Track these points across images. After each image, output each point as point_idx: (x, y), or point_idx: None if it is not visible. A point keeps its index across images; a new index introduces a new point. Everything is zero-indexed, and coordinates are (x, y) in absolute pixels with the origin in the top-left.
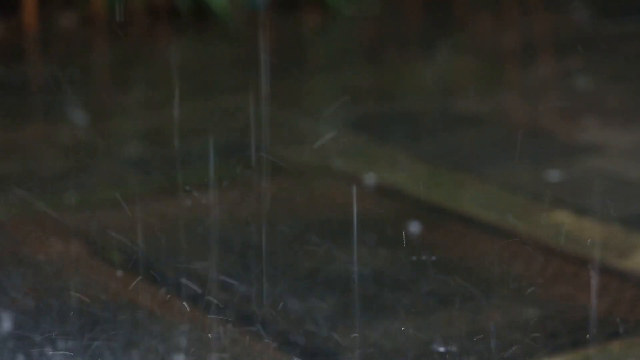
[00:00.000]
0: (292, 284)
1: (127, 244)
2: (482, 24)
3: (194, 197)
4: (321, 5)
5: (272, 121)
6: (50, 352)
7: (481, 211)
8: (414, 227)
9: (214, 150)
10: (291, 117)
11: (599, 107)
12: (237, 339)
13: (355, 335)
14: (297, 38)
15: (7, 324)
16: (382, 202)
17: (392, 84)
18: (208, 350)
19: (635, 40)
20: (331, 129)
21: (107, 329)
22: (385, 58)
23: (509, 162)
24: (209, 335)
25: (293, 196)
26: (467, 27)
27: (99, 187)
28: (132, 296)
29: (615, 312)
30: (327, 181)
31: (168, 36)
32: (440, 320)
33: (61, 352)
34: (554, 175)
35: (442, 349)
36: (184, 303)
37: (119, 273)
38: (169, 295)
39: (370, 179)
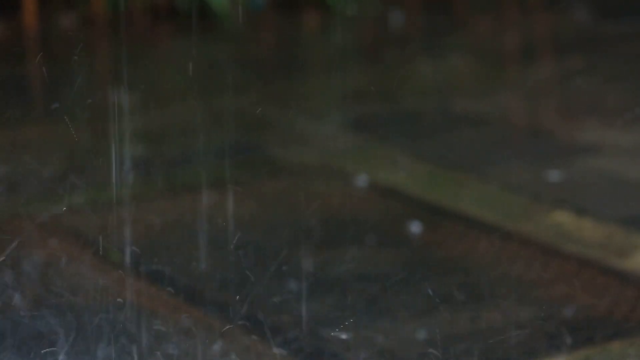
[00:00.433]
0: (292, 284)
1: (127, 245)
2: (482, 24)
3: (193, 197)
4: (321, 5)
5: (272, 121)
6: (50, 353)
7: (481, 211)
8: (414, 227)
9: (214, 150)
10: (291, 117)
11: (599, 107)
12: (236, 339)
13: (355, 335)
14: (297, 38)
15: (6, 324)
16: (383, 202)
17: (392, 84)
18: (208, 351)
19: (635, 41)
20: (331, 129)
21: (107, 329)
22: (386, 58)
23: (509, 162)
24: (209, 335)
25: (293, 196)
26: (467, 27)
27: (99, 187)
28: (132, 296)
29: (616, 312)
30: (327, 181)
31: (168, 36)
32: (441, 320)
33: (61, 352)
34: (554, 175)
35: (442, 349)
36: (183, 303)
37: (120, 273)
38: (168, 295)
39: (370, 179)
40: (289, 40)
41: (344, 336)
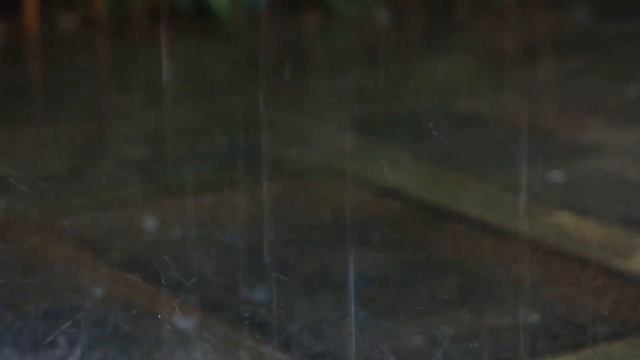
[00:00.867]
0: (292, 284)
1: (128, 245)
2: (483, 24)
3: (194, 199)
4: (322, 5)
5: (273, 121)
6: (51, 353)
7: (481, 211)
8: (415, 227)
9: (214, 151)
10: (292, 118)
11: (600, 107)
12: (237, 339)
13: (355, 336)
14: (298, 38)
15: (7, 324)
16: (383, 202)
17: (393, 84)
18: (209, 351)
19: (636, 40)
20: (332, 130)
21: (108, 329)
22: (386, 58)
23: (509, 162)
24: (209, 335)
25: (293, 197)
26: (467, 27)
27: (99, 188)
28: (132, 297)
29: (616, 313)
30: (327, 181)
31: (168, 36)
32: (440, 320)
33: (61, 352)
34: (554, 175)
35: (442, 349)
36: (184, 304)
37: (120, 274)
38: (169, 297)
39: (370, 179)
40: (289, 40)
41: (344, 336)
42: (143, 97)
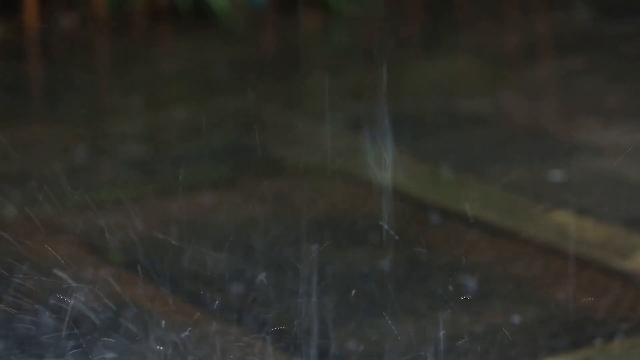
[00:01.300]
0: (292, 284)
1: (128, 244)
2: (483, 23)
3: (194, 198)
4: (322, 5)
5: (273, 121)
6: (50, 353)
7: (481, 211)
8: (414, 227)
9: (214, 151)
10: (291, 117)
11: (600, 107)
12: (237, 339)
13: (355, 335)
14: (298, 38)
15: (6, 325)
16: (383, 202)
17: (393, 84)
18: (209, 351)
19: (637, 40)
20: (331, 129)
21: (108, 329)
22: (386, 58)
23: (509, 162)
24: (209, 335)
25: (293, 196)
26: (467, 27)
27: (99, 187)
28: (132, 296)
29: (616, 312)
30: (327, 181)
31: (168, 36)
32: (440, 320)
33: (61, 352)
34: (554, 175)
35: (442, 349)
36: (184, 303)
37: (120, 273)
38: (169, 296)
39: (370, 179)
40: (289, 40)
41: (344, 336)
42: (143, 97)
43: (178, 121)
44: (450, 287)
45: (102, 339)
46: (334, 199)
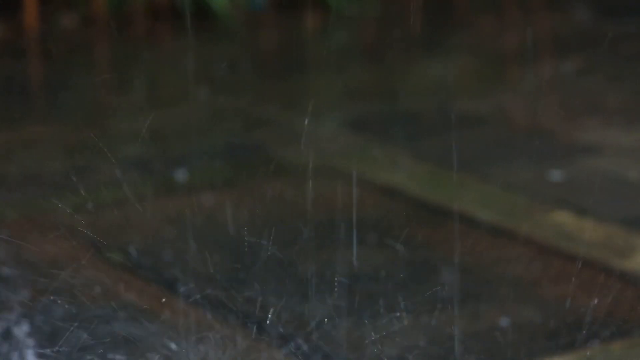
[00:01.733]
0: (291, 284)
1: (128, 244)
2: (483, 23)
3: (193, 198)
4: (322, 5)
5: (272, 121)
6: (50, 353)
7: (481, 211)
8: (414, 227)
9: (214, 151)
10: (291, 117)
11: (600, 107)
12: (237, 339)
13: (355, 335)
14: (298, 38)
15: (7, 325)
16: (382, 202)
17: (393, 83)
18: (209, 351)
19: (636, 40)
20: (331, 129)
21: (108, 329)
22: (386, 58)
23: (509, 162)
24: (209, 335)
25: (293, 196)
26: (467, 26)
27: (99, 187)
28: (132, 296)
29: (616, 312)
30: (327, 181)
31: (168, 36)
32: (440, 320)
33: (60, 352)
34: (554, 175)
35: (442, 349)
36: (184, 303)
37: (120, 273)
38: (169, 296)
39: (370, 178)
40: (289, 40)
41: (344, 336)
42: (143, 96)
43: (178, 121)
44: (449, 287)
45: (101, 339)
46: (334, 198)
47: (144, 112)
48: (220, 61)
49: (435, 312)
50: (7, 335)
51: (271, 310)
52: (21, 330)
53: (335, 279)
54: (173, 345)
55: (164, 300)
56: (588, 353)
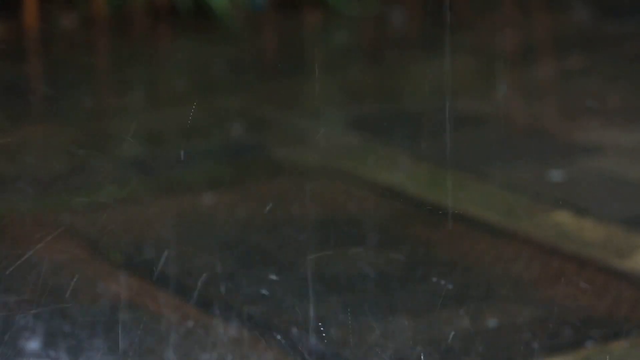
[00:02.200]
0: (292, 284)
1: (128, 244)
2: (483, 23)
3: (193, 198)
4: (322, 5)
5: (272, 121)
6: (51, 353)
7: (481, 211)
8: (414, 227)
9: (214, 151)
10: (291, 117)
11: (600, 107)
12: (237, 339)
13: (355, 335)
14: (298, 38)
15: (7, 325)
16: (382, 202)
17: (393, 83)
18: (209, 351)
19: (636, 40)
20: (331, 129)
21: (107, 329)
22: (386, 58)
23: (509, 162)
24: (210, 335)
25: (293, 196)
26: (467, 26)
27: (99, 187)
28: (132, 296)
29: (616, 312)
30: (327, 181)
31: (168, 36)
32: (440, 320)
33: (61, 352)
34: (554, 175)
35: (442, 349)
36: (184, 303)
37: (120, 273)
38: (169, 296)
39: (370, 179)
40: (289, 40)
41: (344, 336)
42: (143, 96)
43: (178, 121)
44: (449, 287)
45: (101, 339)
46: (334, 198)
47: (144, 111)
48: (220, 61)
49: (435, 312)
50: (6, 335)
51: (271, 310)
52: (21, 329)
53: (335, 278)
54: (173, 346)
55: (162, 300)
56: (588, 353)
